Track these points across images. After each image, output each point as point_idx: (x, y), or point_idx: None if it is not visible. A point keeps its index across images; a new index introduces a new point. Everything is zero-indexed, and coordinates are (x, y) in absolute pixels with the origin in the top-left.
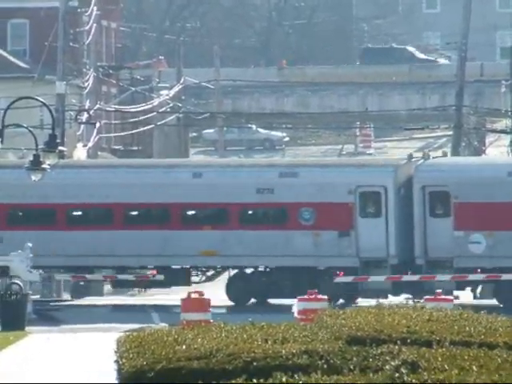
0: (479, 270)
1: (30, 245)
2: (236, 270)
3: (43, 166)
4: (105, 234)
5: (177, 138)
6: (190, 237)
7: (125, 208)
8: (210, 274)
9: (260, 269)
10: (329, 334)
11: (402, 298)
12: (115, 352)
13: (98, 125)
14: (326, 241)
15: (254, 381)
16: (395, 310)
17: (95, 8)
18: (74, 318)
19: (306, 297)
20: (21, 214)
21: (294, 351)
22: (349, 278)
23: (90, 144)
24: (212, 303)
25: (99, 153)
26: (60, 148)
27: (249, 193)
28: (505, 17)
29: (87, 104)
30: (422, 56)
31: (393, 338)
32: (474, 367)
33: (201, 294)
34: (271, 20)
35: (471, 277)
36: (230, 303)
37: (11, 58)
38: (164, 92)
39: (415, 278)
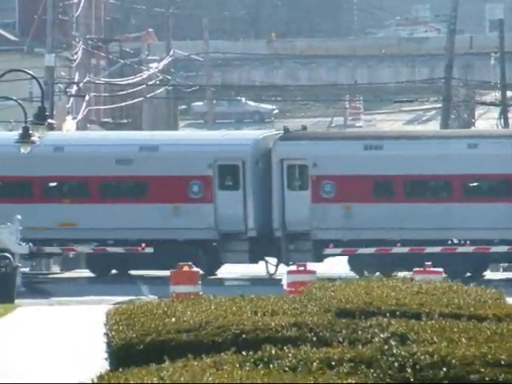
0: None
1: (19, 217)
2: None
3: (32, 138)
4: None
5: (166, 110)
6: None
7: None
8: None
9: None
10: (318, 307)
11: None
12: (104, 325)
13: (87, 97)
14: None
15: (244, 353)
16: (384, 283)
17: None
18: (64, 291)
19: (295, 269)
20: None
21: (284, 324)
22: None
23: (79, 117)
24: None
25: (88, 125)
26: (49, 120)
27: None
28: None
29: (76, 77)
30: None
31: (382, 310)
32: (463, 339)
33: (190, 266)
34: None
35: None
36: None
37: (0, 31)
38: (153, 65)
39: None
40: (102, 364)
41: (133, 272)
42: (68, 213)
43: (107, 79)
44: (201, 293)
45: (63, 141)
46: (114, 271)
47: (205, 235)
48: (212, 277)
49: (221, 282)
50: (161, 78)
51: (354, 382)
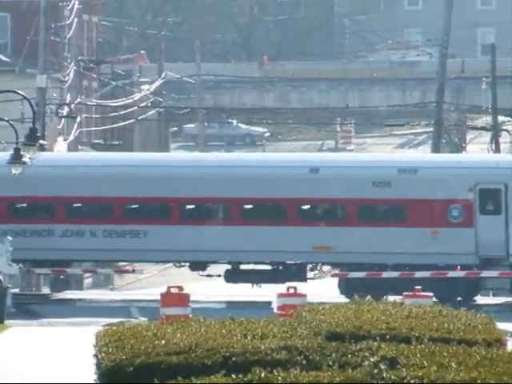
0: None
1: (9, 238)
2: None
3: (24, 159)
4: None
5: (157, 132)
6: None
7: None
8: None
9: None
10: (308, 330)
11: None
12: (94, 346)
13: (78, 119)
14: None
15: (233, 376)
16: (374, 306)
17: (76, 2)
18: (54, 312)
19: (285, 292)
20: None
21: (273, 347)
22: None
23: (71, 138)
24: None
25: (80, 147)
26: (40, 142)
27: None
28: (486, 14)
29: (68, 98)
30: None
31: (372, 334)
32: (453, 364)
33: (180, 288)
34: (253, 15)
35: None
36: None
37: None
38: (145, 87)
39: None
40: None
41: (123, 295)
42: (323, 236)
43: (99, 101)
44: (190, 315)
45: (319, 162)
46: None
47: (464, 260)
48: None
49: None
50: (152, 99)
51: None
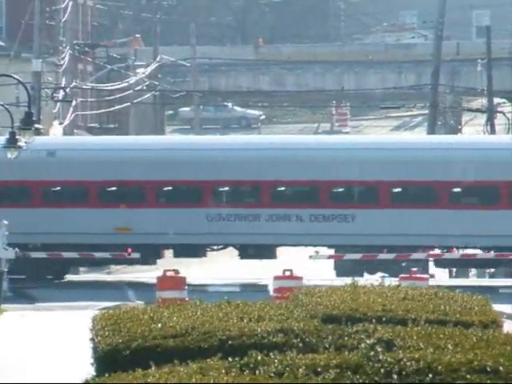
0: None
1: (5, 222)
2: None
3: (19, 143)
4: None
5: (153, 116)
6: None
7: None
8: None
9: None
10: (304, 313)
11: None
12: (91, 330)
13: (74, 103)
14: None
15: (230, 359)
16: (371, 289)
17: None
18: (50, 296)
19: (281, 275)
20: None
21: (270, 329)
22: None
23: (66, 122)
24: None
25: (75, 130)
26: (36, 126)
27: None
28: None
29: (63, 82)
30: None
31: (368, 316)
32: (449, 346)
33: (176, 272)
34: None
35: None
36: None
37: None
38: (140, 70)
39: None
40: (88, 369)
41: (119, 277)
42: None
43: (94, 84)
44: (187, 298)
45: None
46: None
47: None
48: None
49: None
50: (148, 83)
51: None
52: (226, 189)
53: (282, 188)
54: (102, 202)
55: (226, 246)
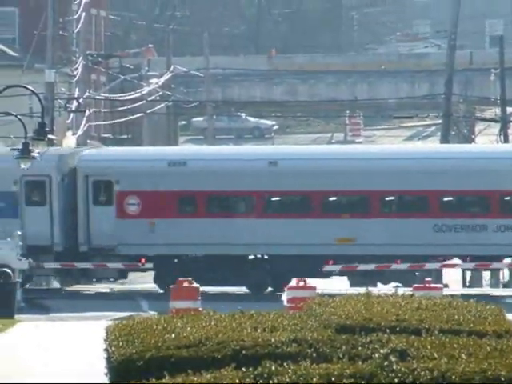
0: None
1: (19, 233)
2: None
3: (32, 154)
4: None
5: (166, 126)
6: None
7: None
8: None
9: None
10: (318, 323)
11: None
12: (104, 340)
13: (87, 113)
14: None
15: (243, 369)
16: (384, 299)
17: None
18: (64, 307)
19: (295, 285)
20: None
21: (283, 339)
22: None
23: (80, 132)
24: None
25: (88, 141)
26: (49, 136)
27: None
28: (494, 5)
29: (76, 92)
30: None
31: (382, 326)
32: (463, 355)
33: (190, 282)
34: (260, 8)
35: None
36: None
37: (0, 47)
38: (153, 80)
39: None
40: (102, 379)
41: (132, 287)
42: None
43: (107, 95)
44: (200, 308)
45: None
46: None
47: None
48: None
49: None
50: (161, 93)
51: None
52: (451, 199)
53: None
54: (324, 212)
55: (450, 257)
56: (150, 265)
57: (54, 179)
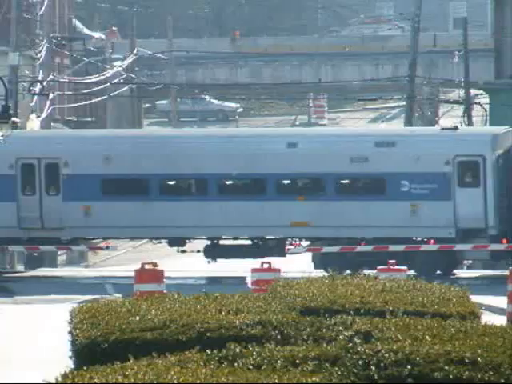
0: None
1: None
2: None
3: None
4: None
5: (130, 109)
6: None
7: None
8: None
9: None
10: (282, 305)
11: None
12: (69, 323)
13: (51, 96)
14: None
15: (208, 351)
16: (349, 281)
17: None
18: (28, 290)
19: (259, 267)
20: None
21: (248, 322)
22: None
23: (44, 115)
24: None
25: (52, 124)
26: (13, 119)
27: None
28: None
29: (40, 75)
30: None
31: (346, 308)
32: (428, 337)
33: (155, 264)
34: None
35: None
36: None
37: None
38: (117, 63)
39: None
40: (66, 363)
41: (97, 271)
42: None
43: (71, 78)
44: (165, 291)
45: None
46: None
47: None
48: None
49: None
50: (125, 76)
51: (318, 380)
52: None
53: None
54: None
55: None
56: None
57: (488, 159)
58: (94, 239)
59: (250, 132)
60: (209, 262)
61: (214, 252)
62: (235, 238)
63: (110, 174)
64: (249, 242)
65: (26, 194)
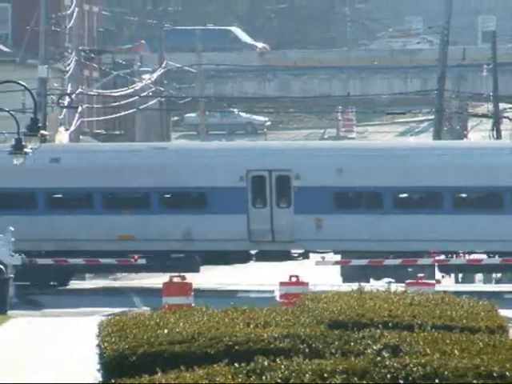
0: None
1: (11, 228)
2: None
3: (25, 149)
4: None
5: (159, 122)
6: None
7: None
8: None
9: None
10: (310, 318)
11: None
12: (97, 336)
13: (79, 109)
14: None
15: (236, 365)
16: (377, 294)
17: None
18: (56, 303)
19: (287, 281)
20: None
21: (276, 335)
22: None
23: (72, 128)
24: None
25: (81, 137)
26: (42, 132)
27: None
28: (486, 1)
29: (69, 88)
30: None
31: (374, 321)
32: (456, 351)
33: (183, 278)
34: (253, 4)
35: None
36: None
37: None
38: (146, 76)
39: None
40: (94, 375)
41: (125, 283)
42: None
43: (100, 90)
44: (193, 304)
45: None
46: None
47: None
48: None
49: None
50: (153, 89)
51: None
52: None
53: None
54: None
55: None
56: (142, 261)
57: None
58: (324, 252)
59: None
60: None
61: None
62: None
63: (342, 187)
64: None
65: (256, 207)
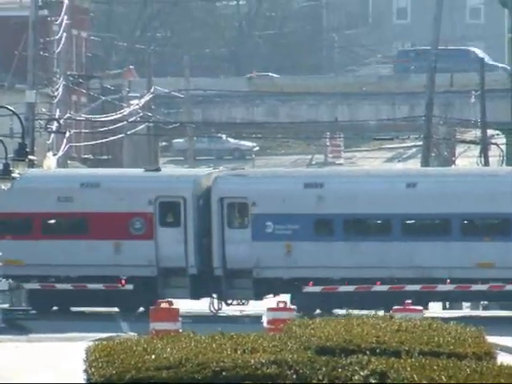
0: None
1: None
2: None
3: (13, 174)
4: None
5: (147, 147)
6: None
7: None
8: None
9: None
10: (298, 344)
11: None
12: (84, 361)
13: (67, 134)
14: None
15: None
16: (364, 320)
17: (65, 17)
18: (43, 328)
19: (275, 306)
20: None
21: (263, 361)
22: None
23: (60, 153)
24: None
25: (69, 162)
26: (30, 157)
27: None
28: (474, 28)
29: (57, 113)
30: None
31: (362, 348)
32: (443, 377)
33: (170, 303)
34: (241, 30)
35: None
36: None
37: None
38: (134, 101)
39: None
40: None
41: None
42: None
43: (88, 116)
44: (180, 330)
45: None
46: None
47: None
48: None
49: None
50: (141, 114)
51: None
52: None
53: None
54: None
55: None
56: (130, 286)
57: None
58: None
59: None
60: None
61: None
62: None
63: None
64: None
65: None
